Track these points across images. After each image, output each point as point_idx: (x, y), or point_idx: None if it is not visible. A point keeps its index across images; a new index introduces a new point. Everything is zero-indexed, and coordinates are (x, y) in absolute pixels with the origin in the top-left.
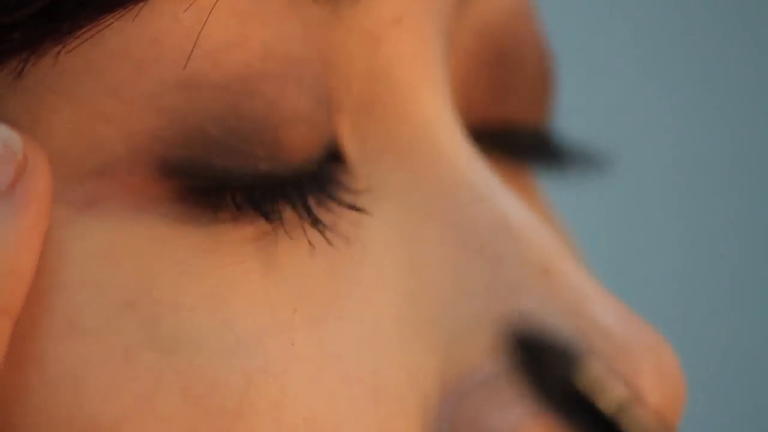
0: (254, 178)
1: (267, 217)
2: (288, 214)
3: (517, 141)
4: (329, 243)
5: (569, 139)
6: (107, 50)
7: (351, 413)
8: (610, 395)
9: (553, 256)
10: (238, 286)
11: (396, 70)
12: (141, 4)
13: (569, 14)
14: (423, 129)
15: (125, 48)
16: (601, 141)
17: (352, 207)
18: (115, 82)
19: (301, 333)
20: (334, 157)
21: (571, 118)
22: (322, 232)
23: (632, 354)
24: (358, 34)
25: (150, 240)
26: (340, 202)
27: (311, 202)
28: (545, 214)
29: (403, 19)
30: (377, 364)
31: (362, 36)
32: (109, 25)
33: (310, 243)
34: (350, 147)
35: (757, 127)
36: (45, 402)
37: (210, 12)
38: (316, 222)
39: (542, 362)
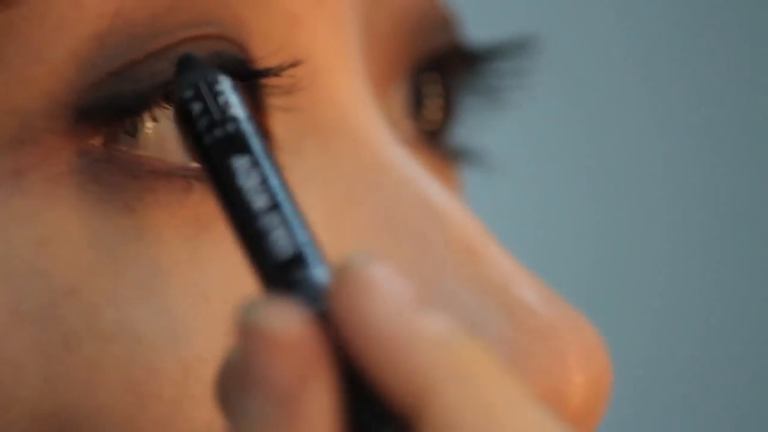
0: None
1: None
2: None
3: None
4: None
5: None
6: (27, 15)
7: None
8: None
9: (477, 236)
10: (170, 276)
11: (316, 53)
12: None
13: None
14: (344, 113)
15: (45, 11)
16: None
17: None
18: (35, 45)
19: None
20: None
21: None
22: None
23: (559, 332)
24: (279, 14)
25: (83, 227)
26: None
27: None
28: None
29: (326, 2)
30: None
31: (284, 16)
32: None
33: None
34: (276, 128)
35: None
36: None
37: None
38: None
39: None
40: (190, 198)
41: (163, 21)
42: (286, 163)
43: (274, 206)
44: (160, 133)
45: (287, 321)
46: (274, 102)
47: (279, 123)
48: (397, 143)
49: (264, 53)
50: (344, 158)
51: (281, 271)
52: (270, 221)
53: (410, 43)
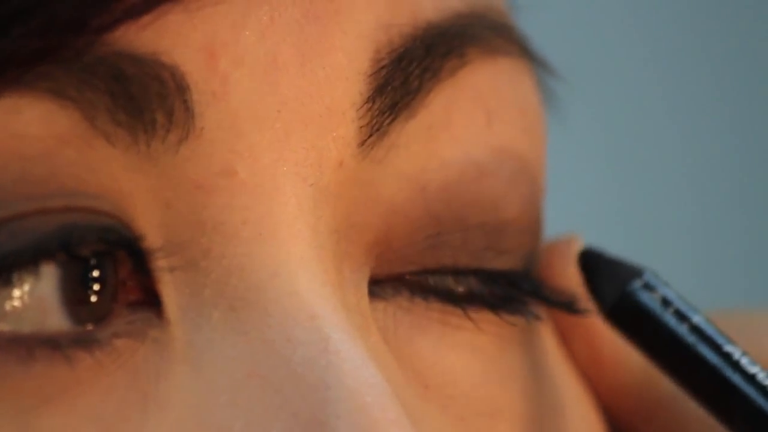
0: None
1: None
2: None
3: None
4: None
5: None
6: None
7: None
8: None
9: (374, 422)
10: None
11: (229, 223)
12: None
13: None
14: (258, 284)
15: None
16: None
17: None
18: None
19: None
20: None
21: None
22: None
23: None
24: (178, 183)
25: None
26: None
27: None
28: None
29: (238, 172)
30: None
31: (185, 185)
32: None
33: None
34: (172, 301)
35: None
36: None
37: None
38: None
39: None
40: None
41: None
42: (185, 334)
43: None
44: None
45: None
46: (169, 276)
47: (177, 292)
48: (330, 312)
49: (157, 225)
50: (251, 333)
51: None
52: None
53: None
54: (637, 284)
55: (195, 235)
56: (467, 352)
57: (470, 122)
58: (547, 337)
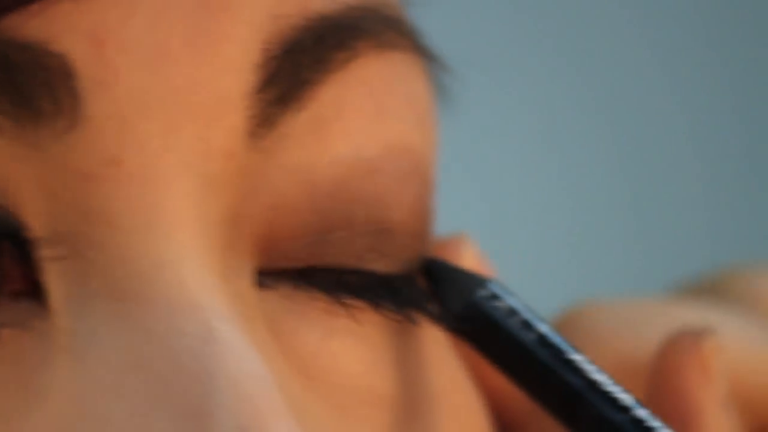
0: None
1: None
2: None
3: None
4: None
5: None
6: None
7: None
8: None
9: (256, 413)
10: None
11: (114, 213)
12: None
13: None
14: (143, 273)
15: None
16: None
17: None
18: None
19: None
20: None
21: None
22: None
23: None
24: (64, 172)
25: None
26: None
27: None
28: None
29: (125, 161)
30: None
31: (71, 174)
32: None
33: None
34: (55, 291)
35: None
36: None
37: None
38: None
39: None
40: None
41: None
42: (68, 324)
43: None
44: None
45: None
46: (54, 266)
47: (61, 282)
48: (216, 304)
49: (42, 215)
50: (135, 323)
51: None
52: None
53: (313, 222)
54: (482, 294)
55: (80, 225)
56: (351, 341)
57: (361, 116)
58: (432, 330)
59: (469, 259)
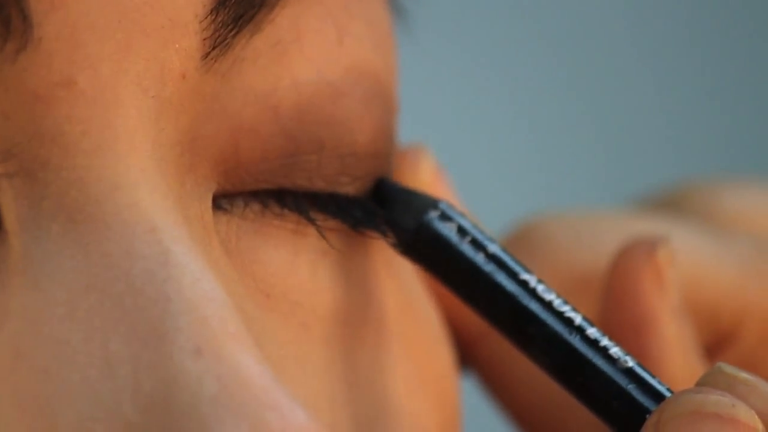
0: None
1: None
2: None
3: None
4: None
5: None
6: None
7: None
8: None
9: (212, 335)
10: None
11: (69, 135)
12: None
13: None
14: (98, 196)
15: None
16: None
17: None
18: None
19: None
20: None
21: None
22: None
23: None
24: (16, 93)
25: None
26: None
27: None
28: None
29: (78, 83)
30: None
31: (23, 96)
32: None
33: None
34: (10, 213)
35: None
36: None
37: None
38: None
39: None
40: None
41: None
42: (23, 246)
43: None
44: None
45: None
46: (7, 185)
47: (18, 202)
48: (171, 227)
49: None
50: (90, 246)
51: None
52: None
53: (279, 146)
54: (433, 214)
55: (33, 147)
56: (313, 257)
57: (321, 39)
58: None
59: (427, 170)
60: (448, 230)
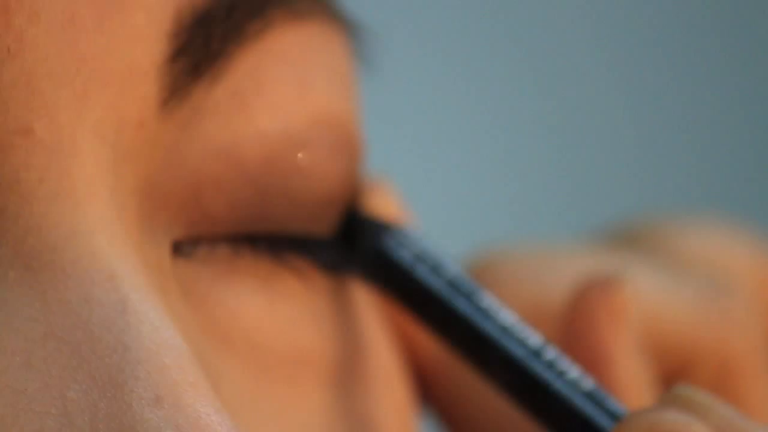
0: None
1: None
2: None
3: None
4: None
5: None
6: None
7: None
8: None
9: (172, 383)
10: None
11: (26, 182)
12: None
13: None
14: (56, 243)
15: None
16: None
17: None
18: None
19: None
20: None
21: None
22: None
23: None
24: None
25: None
26: None
27: None
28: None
29: (35, 130)
30: None
31: None
32: None
33: None
34: None
35: None
36: None
37: None
38: None
39: None
40: None
41: None
42: None
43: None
44: None
45: None
46: None
47: None
48: (129, 274)
49: None
50: (48, 293)
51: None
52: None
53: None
54: (391, 241)
55: None
56: (274, 297)
57: (283, 89)
58: (362, 292)
59: (390, 203)
60: (406, 255)
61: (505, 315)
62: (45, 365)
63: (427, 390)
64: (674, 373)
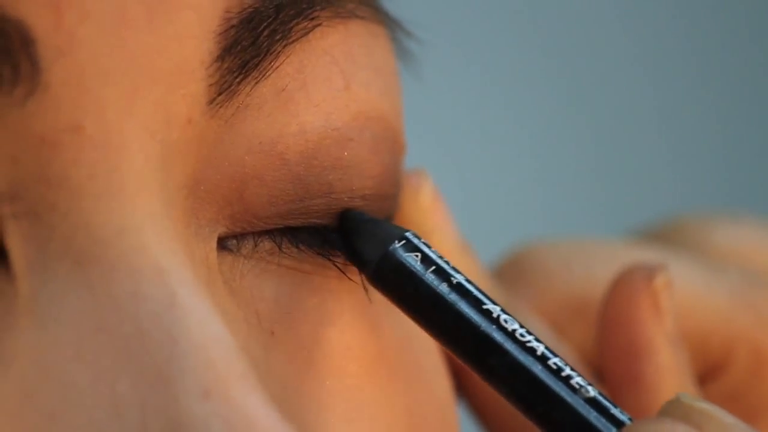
0: None
1: None
2: None
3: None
4: None
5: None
6: None
7: None
8: None
9: (219, 377)
10: None
11: (76, 178)
12: None
13: None
14: (105, 239)
15: None
16: None
17: None
18: None
19: None
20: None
21: None
22: None
23: None
24: (25, 138)
25: None
26: None
27: None
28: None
29: (85, 127)
30: None
31: (31, 140)
32: None
33: None
34: (18, 255)
35: None
36: None
37: None
38: None
39: None
40: None
41: None
42: (31, 288)
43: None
44: None
45: None
46: (16, 228)
47: (28, 246)
48: (177, 269)
49: (3, 180)
50: (97, 288)
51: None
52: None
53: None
54: (398, 244)
55: (41, 190)
56: (317, 292)
57: (327, 86)
58: None
59: (426, 194)
60: (412, 260)
61: (510, 320)
62: (95, 358)
63: (461, 383)
64: (709, 366)
